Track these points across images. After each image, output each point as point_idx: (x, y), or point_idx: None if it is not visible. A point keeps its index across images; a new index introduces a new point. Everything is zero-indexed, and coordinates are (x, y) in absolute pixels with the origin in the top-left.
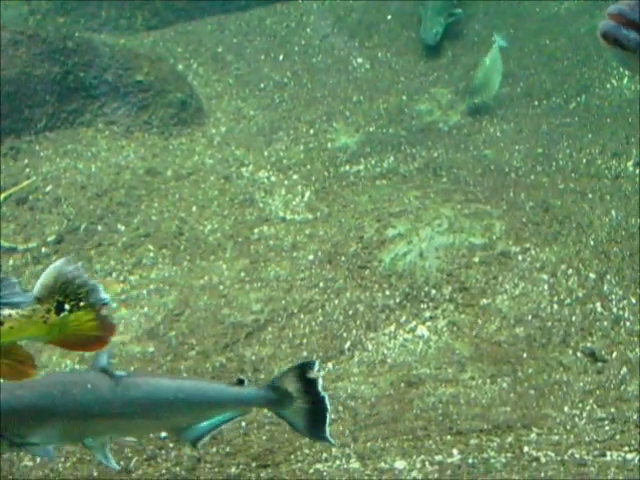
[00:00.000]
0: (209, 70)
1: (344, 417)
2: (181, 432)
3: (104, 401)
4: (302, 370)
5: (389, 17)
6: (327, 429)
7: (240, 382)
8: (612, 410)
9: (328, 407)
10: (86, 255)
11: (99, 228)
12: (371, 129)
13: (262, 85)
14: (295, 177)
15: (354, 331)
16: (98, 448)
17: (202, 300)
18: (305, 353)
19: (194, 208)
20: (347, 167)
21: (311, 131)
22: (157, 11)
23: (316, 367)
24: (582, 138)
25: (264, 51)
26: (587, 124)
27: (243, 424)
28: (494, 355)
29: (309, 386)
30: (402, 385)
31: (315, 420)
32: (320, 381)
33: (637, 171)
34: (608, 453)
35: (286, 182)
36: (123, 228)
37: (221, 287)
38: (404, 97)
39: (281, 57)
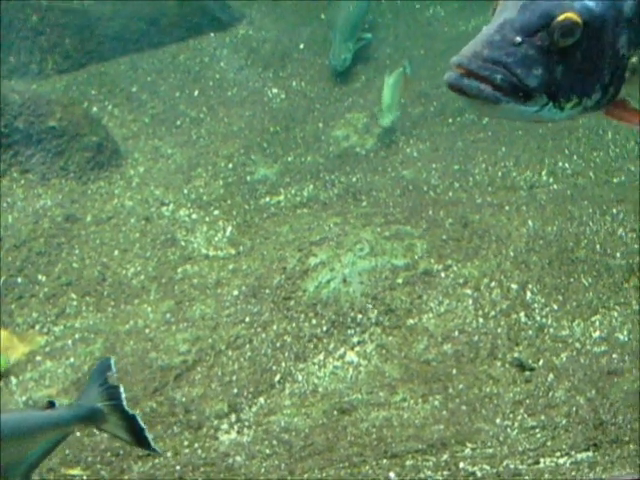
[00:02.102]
0: (124, 111)
1: (279, 451)
2: (7, 470)
3: None
4: (104, 376)
5: (301, 46)
6: (149, 437)
7: (51, 405)
8: (542, 417)
9: (137, 417)
10: (6, 309)
11: (19, 280)
12: (289, 159)
13: (178, 122)
14: (216, 213)
15: (283, 363)
16: None
17: (129, 345)
18: (235, 390)
19: (116, 252)
20: (267, 199)
21: (230, 165)
22: (68, 54)
23: (112, 365)
24: (496, 152)
25: (179, 88)
26: (500, 138)
27: (177, 467)
28: (424, 374)
29: (115, 395)
30: (335, 413)
31: (134, 429)
32: (121, 389)
33: (550, 180)
34: (541, 460)
35: (207, 218)
36: (44, 278)
37: (147, 330)
38: (320, 124)
39: (196, 93)
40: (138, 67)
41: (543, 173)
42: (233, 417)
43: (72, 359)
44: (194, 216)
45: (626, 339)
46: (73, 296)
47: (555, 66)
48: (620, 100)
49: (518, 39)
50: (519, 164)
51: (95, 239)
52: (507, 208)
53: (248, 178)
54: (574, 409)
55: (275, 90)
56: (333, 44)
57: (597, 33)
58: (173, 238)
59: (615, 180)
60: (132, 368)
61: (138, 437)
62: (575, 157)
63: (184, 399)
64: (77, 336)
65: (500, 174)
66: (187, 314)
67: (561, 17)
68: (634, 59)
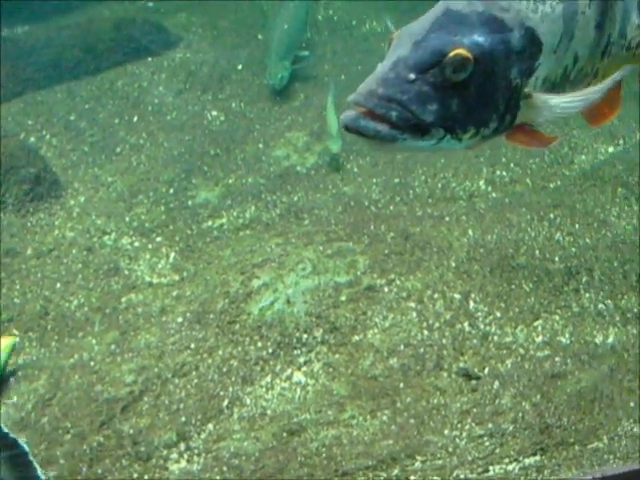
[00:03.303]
0: (63, 140)
1: (229, 477)
2: None
3: None
4: None
5: (240, 67)
6: (39, 471)
7: None
8: (490, 425)
9: (26, 449)
10: None
11: None
12: (230, 181)
13: (118, 149)
14: (159, 239)
15: (230, 388)
16: None
17: (74, 380)
18: (183, 418)
19: (58, 285)
20: (210, 222)
21: (171, 190)
22: (2, 83)
23: None
24: (435, 164)
25: (118, 114)
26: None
27: None
28: (372, 390)
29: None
30: (284, 435)
31: (23, 466)
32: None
33: (489, 189)
34: (490, 468)
35: (150, 246)
36: None
37: (92, 363)
38: (260, 145)
39: (135, 118)
40: (75, 95)
41: (481, 182)
42: (182, 446)
43: (15, 398)
44: (137, 244)
45: (568, 342)
46: (15, 332)
47: (450, 100)
48: (519, 125)
49: (412, 76)
50: (458, 174)
51: (36, 273)
52: (447, 219)
53: (190, 203)
54: (520, 415)
55: (214, 112)
56: (269, 63)
57: (488, 67)
58: (116, 267)
59: (551, 185)
60: (77, 403)
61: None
62: (512, 165)
63: (132, 431)
64: (20, 373)
65: (440, 185)
66: (132, 344)
67: (452, 54)
68: (527, 88)
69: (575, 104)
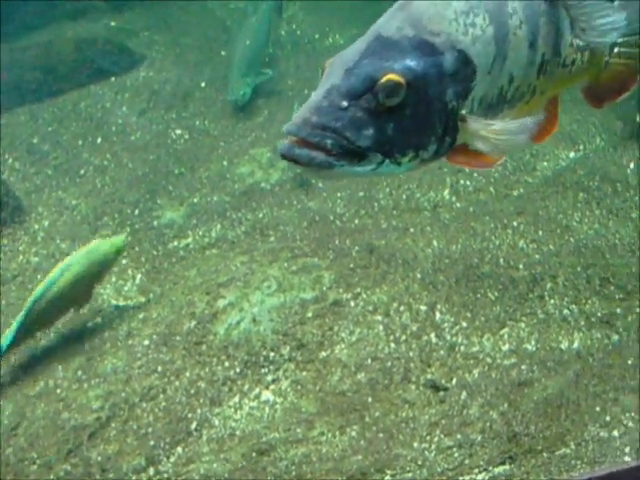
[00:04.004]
0: (26, 163)
1: None
2: None
3: None
4: None
5: (203, 84)
6: None
7: None
8: (458, 436)
9: None
10: None
11: None
12: (195, 200)
13: (82, 171)
14: (124, 261)
15: (199, 410)
16: None
17: (39, 408)
18: (152, 442)
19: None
20: (175, 242)
21: (136, 212)
22: None
23: None
24: (399, 175)
25: (81, 136)
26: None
27: None
28: (340, 406)
29: None
30: (254, 455)
31: None
32: None
33: (453, 198)
34: (460, 479)
35: (116, 268)
36: None
37: (58, 391)
38: (225, 162)
39: (99, 140)
40: (38, 117)
41: (445, 192)
42: (151, 470)
43: None
44: None
45: (534, 349)
46: None
47: (385, 125)
48: (460, 146)
49: (345, 103)
50: (422, 185)
51: (0, 300)
52: (412, 230)
53: (155, 223)
54: (488, 424)
55: (179, 131)
56: (231, 79)
57: (421, 90)
58: None
59: (514, 193)
60: (44, 431)
61: None
62: (475, 174)
63: (100, 458)
64: None
65: (404, 197)
66: (99, 369)
67: (384, 79)
68: (464, 110)
69: (508, 137)
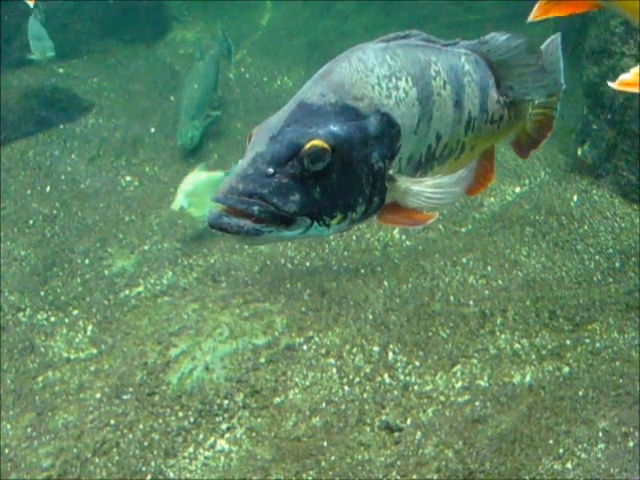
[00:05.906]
0: None
1: None
2: None
3: None
4: None
5: (153, 130)
6: None
7: None
8: (414, 477)
9: None
10: None
11: None
12: (146, 247)
13: (31, 221)
14: (75, 312)
15: (153, 462)
16: None
17: None
18: None
19: None
20: (127, 291)
21: (86, 261)
22: None
23: None
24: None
25: (30, 185)
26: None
27: None
28: (296, 451)
29: None
30: None
31: None
32: None
33: (403, 237)
34: None
35: (67, 320)
36: None
37: (7, 450)
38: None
39: (48, 188)
40: None
41: (395, 232)
42: None
43: None
44: (52, 319)
45: (486, 385)
46: None
47: (312, 189)
48: (390, 205)
49: (270, 170)
50: (372, 225)
51: None
52: (363, 271)
53: (106, 272)
54: (444, 463)
55: (128, 178)
56: (179, 123)
57: (346, 154)
58: (32, 345)
59: (463, 230)
60: None
61: None
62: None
63: None
64: None
65: (355, 237)
66: (49, 425)
67: (308, 145)
68: (392, 170)
69: (442, 190)
